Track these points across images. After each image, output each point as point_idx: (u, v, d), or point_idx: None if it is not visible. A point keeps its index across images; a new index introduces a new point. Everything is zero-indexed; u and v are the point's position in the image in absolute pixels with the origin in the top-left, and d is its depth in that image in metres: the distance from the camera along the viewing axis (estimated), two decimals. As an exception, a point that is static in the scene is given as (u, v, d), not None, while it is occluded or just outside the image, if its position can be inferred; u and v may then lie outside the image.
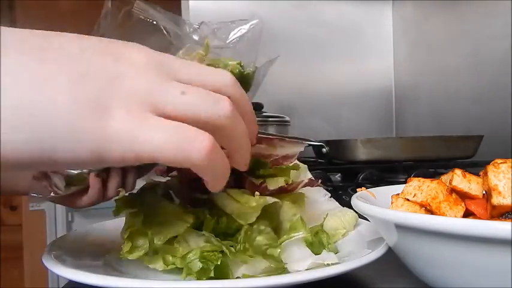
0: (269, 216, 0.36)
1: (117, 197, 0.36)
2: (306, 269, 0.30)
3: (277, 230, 0.36)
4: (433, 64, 1.36)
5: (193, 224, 0.34)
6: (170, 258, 0.32)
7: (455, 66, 1.25)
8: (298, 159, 0.41)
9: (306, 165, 0.45)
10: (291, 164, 0.39)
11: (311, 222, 0.37)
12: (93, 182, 0.69)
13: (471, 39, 1.18)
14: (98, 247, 0.37)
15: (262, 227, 0.34)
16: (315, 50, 1.49)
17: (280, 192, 0.35)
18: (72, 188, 0.70)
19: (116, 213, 0.36)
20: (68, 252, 0.36)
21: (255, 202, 0.33)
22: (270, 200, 0.34)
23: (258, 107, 1.24)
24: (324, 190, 0.44)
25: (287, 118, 1.25)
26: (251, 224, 0.34)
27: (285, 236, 0.33)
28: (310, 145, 0.98)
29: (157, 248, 0.32)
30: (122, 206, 0.36)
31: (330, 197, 0.44)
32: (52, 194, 0.69)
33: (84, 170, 0.69)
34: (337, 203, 0.44)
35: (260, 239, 0.33)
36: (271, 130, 1.20)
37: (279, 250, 0.32)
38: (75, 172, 0.67)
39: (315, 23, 1.48)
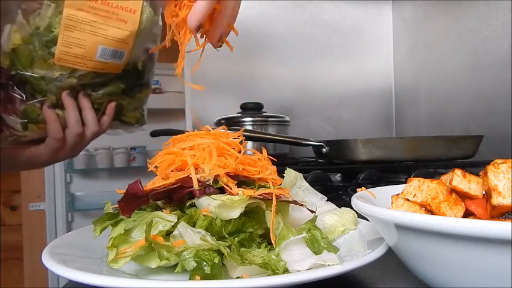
0: (258, 218, 0.36)
1: None
2: (307, 269, 0.30)
3: (267, 235, 0.36)
4: (433, 64, 1.36)
5: (187, 221, 0.34)
6: (165, 253, 0.32)
7: (455, 66, 1.25)
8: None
9: (301, 174, 0.46)
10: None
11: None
12: (48, 114, 0.69)
13: (471, 39, 1.18)
14: (98, 247, 0.37)
15: (258, 239, 0.35)
16: (315, 50, 1.49)
17: (263, 199, 0.35)
18: (30, 126, 0.70)
19: (95, 233, 0.36)
20: (68, 252, 0.36)
21: (239, 197, 0.34)
22: (254, 199, 0.34)
23: (258, 107, 1.24)
24: (321, 194, 0.45)
25: (287, 118, 1.25)
26: (245, 231, 0.35)
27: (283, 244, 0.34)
28: (310, 145, 0.98)
29: (153, 243, 0.32)
30: (98, 224, 0.36)
31: (327, 200, 0.45)
32: (12, 137, 0.69)
33: (36, 104, 0.68)
34: (334, 205, 0.44)
35: (256, 252, 0.33)
36: (271, 130, 1.20)
37: (280, 262, 0.32)
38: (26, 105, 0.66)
39: (315, 23, 1.48)
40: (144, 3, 0.72)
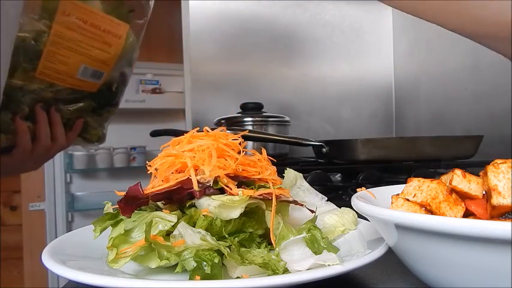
0: (258, 218, 0.36)
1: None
2: (307, 269, 0.30)
3: (267, 235, 0.36)
4: (433, 64, 1.36)
5: (187, 221, 0.34)
6: (165, 253, 0.32)
7: (455, 66, 1.25)
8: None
9: (301, 174, 0.46)
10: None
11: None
12: (20, 125, 0.70)
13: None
14: (98, 247, 0.37)
15: (258, 239, 0.35)
16: (315, 50, 1.49)
17: (263, 199, 0.35)
18: (0, 136, 0.69)
19: (96, 233, 0.36)
20: (68, 252, 0.36)
21: (239, 197, 0.34)
22: (254, 199, 0.35)
23: (258, 107, 1.24)
24: (321, 194, 0.45)
25: (287, 118, 1.25)
26: (245, 231, 0.35)
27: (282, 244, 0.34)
28: (310, 145, 0.98)
29: (153, 243, 0.32)
30: (98, 224, 0.36)
31: (327, 200, 0.45)
32: None
33: (8, 114, 0.69)
34: (334, 205, 0.44)
35: (256, 252, 0.33)
36: (271, 130, 1.20)
37: (280, 262, 0.32)
38: None
39: (315, 23, 1.48)
40: (130, 30, 0.74)
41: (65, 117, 0.76)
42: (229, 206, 0.34)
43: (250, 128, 1.18)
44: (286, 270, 0.31)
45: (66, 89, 0.72)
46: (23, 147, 0.71)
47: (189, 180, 0.35)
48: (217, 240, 0.33)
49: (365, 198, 0.35)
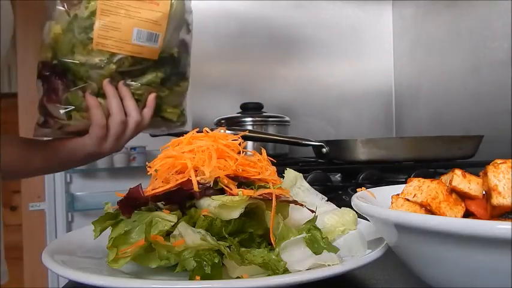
0: (258, 218, 0.36)
1: None
2: (307, 269, 0.30)
3: (267, 235, 0.36)
4: (433, 64, 1.36)
5: (187, 222, 0.34)
6: (165, 253, 0.32)
7: (455, 66, 1.25)
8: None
9: (301, 174, 0.46)
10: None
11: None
12: (90, 100, 0.71)
13: (471, 39, 1.18)
14: (98, 247, 0.37)
15: (258, 239, 0.35)
16: (315, 50, 1.49)
17: (262, 199, 0.35)
18: (73, 114, 0.71)
19: (95, 233, 0.36)
20: (68, 252, 0.36)
21: (239, 198, 0.34)
22: (254, 200, 0.35)
23: (258, 107, 1.24)
24: (321, 194, 0.45)
25: (287, 118, 1.25)
26: (245, 232, 0.35)
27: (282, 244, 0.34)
28: (310, 145, 0.98)
29: (153, 243, 0.32)
30: (97, 225, 0.36)
31: (327, 200, 0.45)
32: (56, 126, 0.71)
33: (78, 91, 0.70)
34: (334, 205, 0.44)
35: (256, 252, 0.33)
36: (271, 130, 1.21)
37: (280, 262, 0.32)
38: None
39: (315, 23, 1.48)
40: None
41: (137, 94, 0.75)
42: (229, 206, 0.34)
43: (250, 128, 1.18)
44: (286, 270, 0.31)
45: (126, 58, 0.73)
46: (97, 123, 0.71)
47: (189, 181, 0.35)
48: (218, 240, 0.33)
49: (365, 198, 0.35)
